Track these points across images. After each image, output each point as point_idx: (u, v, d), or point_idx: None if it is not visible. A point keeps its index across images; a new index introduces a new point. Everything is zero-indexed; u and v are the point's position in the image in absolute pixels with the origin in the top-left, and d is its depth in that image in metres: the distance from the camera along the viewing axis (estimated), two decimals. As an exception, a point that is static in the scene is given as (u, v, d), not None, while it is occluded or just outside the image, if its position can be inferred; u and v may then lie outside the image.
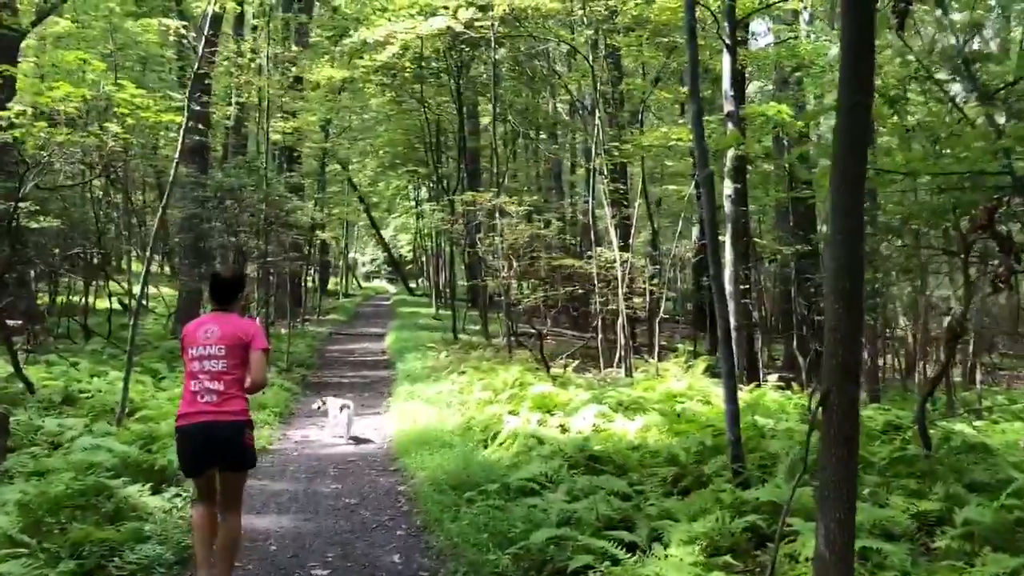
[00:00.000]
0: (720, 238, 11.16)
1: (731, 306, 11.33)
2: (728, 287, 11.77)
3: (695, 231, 22.08)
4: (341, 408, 10.67)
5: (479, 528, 6.13)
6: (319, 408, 11.15)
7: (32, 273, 18.02)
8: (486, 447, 8.96)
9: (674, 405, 10.01)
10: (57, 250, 16.92)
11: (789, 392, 12.87)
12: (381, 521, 7.04)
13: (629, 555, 5.25)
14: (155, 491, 6.99)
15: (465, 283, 30.58)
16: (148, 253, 10.87)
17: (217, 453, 4.89)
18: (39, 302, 18.57)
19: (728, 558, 5.31)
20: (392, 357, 19.86)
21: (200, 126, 17.53)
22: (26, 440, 8.13)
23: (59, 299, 18.89)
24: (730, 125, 12.93)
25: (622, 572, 4.96)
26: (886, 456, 7.28)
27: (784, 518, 4.39)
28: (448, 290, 29.04)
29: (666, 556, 5.25)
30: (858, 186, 3.80)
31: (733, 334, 9.24)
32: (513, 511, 6.32)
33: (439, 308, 31.19)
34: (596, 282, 15.80)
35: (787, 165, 18.76)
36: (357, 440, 10.57)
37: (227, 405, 4.86)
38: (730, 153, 13.13)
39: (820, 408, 3.72)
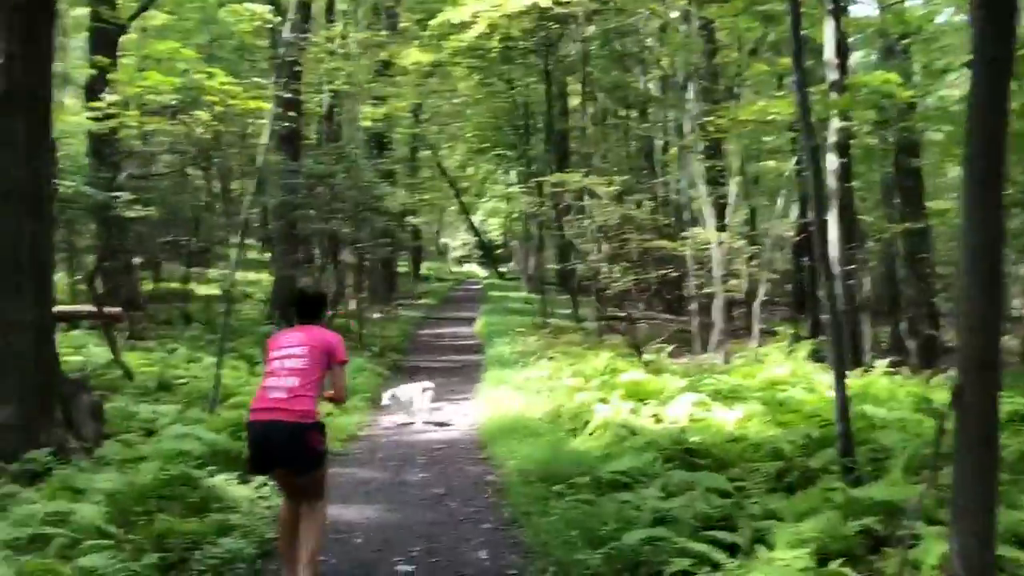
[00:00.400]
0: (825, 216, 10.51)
1: (839, 287, 10.67)
2: (835, 267, 11.10)
3: (794, 210, 21.14)
4: (423, 391, 10.55)
5: (569, 524, 5.84)
6: (390, 402, 10.67)
7: (136, 261, 18.58)
8: (575, 436, 8.65)
9: (776, 393, 9.47)
10: (158, 239, 17.38)
11: (899, 378, 12.10)
12: (468, 513, 6.83)
13: (730, 559, 4.87)
14: (242, 480, 6.94)
15: (555, 267, 30.26)
16: (240, 239, 10.94)
17: (277, 454, 4.74)
18: (142, 289, 19.16)
19: (839, 565, 4.87)
20: (482, 342, 19.75)
21: (291, 113, 17.67)
22: (122, 427, 8.22)
23: (161, 286, 19.46)
24: (833, 95, 12.18)
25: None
26: (1016, 450, 6.64)
27: (906, 522, 3.95)
28: (538, 274, 28.77)
29: (771, 560, 4.84)
30: (997, 151, 3.32)
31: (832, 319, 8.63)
32: (604, 507, 6.00)
33: (529, 292, 30.98)
34: (690, 264, 15.24)
35: (893, 138, 17.76)
36: (438, 424, 10.49)
37: (296, 404, 4.69)
38: (833, 125, 12.38)
39: (952, 405, 3.27)
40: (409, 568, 5.56)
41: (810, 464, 6.64)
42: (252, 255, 31.15)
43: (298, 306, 5.25)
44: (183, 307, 17.87)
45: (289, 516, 4.90)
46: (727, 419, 8.26)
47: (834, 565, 4.90)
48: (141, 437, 7.90)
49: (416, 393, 10.64)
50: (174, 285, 19.13)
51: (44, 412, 7.01)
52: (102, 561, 4.63)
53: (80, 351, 11.85)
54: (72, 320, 14.11)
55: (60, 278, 20.65)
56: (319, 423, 4.81)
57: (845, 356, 6.88)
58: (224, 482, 6.66)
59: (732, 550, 5.03)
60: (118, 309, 14.37)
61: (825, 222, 6.75)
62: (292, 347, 4.92)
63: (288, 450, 4.68)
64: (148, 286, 19.56)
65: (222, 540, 5.29)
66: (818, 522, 5.17)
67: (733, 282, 15.81)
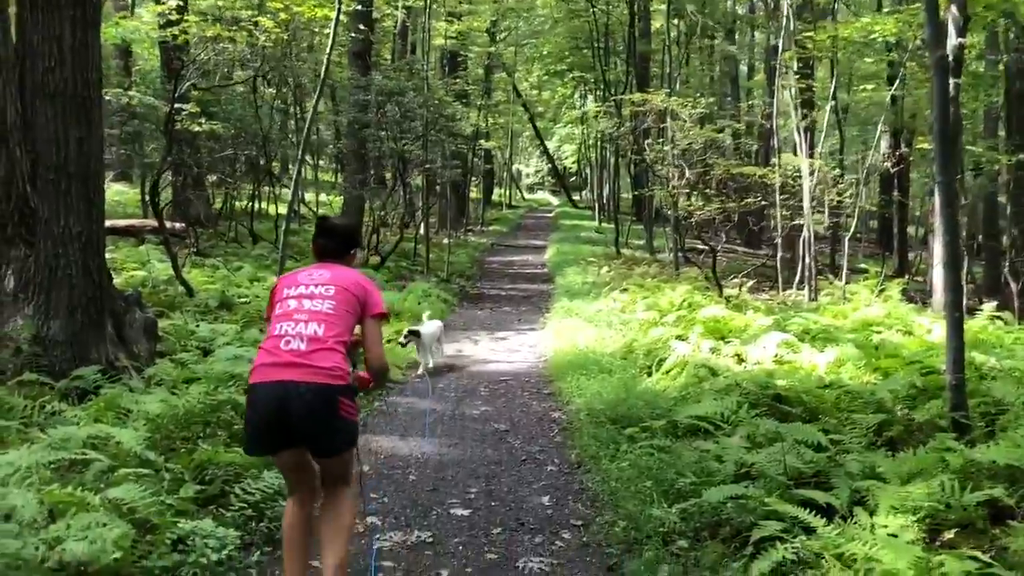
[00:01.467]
0: (928, 144, 9.51)
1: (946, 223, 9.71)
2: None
3: (884, 142, 19.74)
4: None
5: (641, 473, 5.30)
6: (404, 342, 8.76)
7: (211, 178, 18.42)
8: (650, 375, 8.06)
9: (870, 336, 8.69)
10: (228, 153, 17.10)
11: (1002, 323, 11.11)
12: (531, 453, 6.35)
13: (827, 523, 4.26)
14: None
15: (630, 194, 29.29)
16: (299, 155, 10.48)
17: (296, 429, 3.40)
18: (212, 206, 19.04)
19: (954, 536, 4.24)
20: (552, 271, 19.19)
21: (362, 27, 17.02)
22: (178, 345, 7.95)
23: (231, 205, 19.29)
24: (954, 9, 10.96)
25: (820, 547, 3.99)
26: None
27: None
28: (612, 202, 27.89)
29: (873, 527, 4.22)
30: None
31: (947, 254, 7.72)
32: (682, 456, 5.43)
33: (602, 221, 30.16)
34: (778, 193, 14.28)
35: (1008, 62, 16.28)
36: (448, 368, 9.37)
37: (319, 359, 3.40)
38: (951, 42, 11.17)
39: None
40: (464, 513, 5.11)
41: (915, 417, 5.94)
42: (325, 177, 31.00)
43: (318, 239, 3.86)
44: (250, 225, 17.66)
45: (300, 518, 3.65)
46: (817, 362, 7.56)
47: (948, 535, 4.28)
48: (196, 357, 7.59)
49: (435, 332, 9.19)
50: (244, 203, 18.93)
51: (94, 327, 6.71)
52: (135, 492, 4.26)
53: (144, 266, 11.67)
54: (133, 234, 14.01)
55: (131, 193, 20.75)
56: (352, 385, 3.54)
57: (961, 298, 6.06)
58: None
59: (826, 512, 4.42)
60: (181, 225, 14.20)
61: (949, 143, 5.87)
62: (315, 286, 3.62)
63: (310, 422, 3.38)
64: (218, 204, 19.44)
65: (266, 474, 4.90)
66: (929, 487, 4.50)
67: (818, 216, 14.82)
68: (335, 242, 3.84)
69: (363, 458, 5.96)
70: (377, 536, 4.68)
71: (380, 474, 5.78)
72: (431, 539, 4.69)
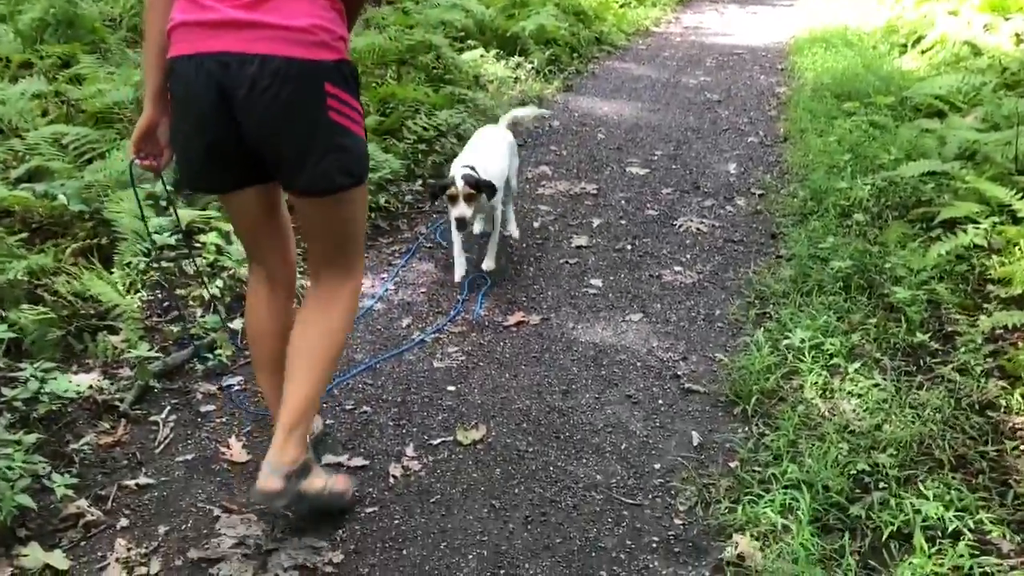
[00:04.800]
0: None
1: None
2: None
3: None
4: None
5: (844, 148, 4.74)
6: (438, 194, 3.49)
7: None
8: (904, 54, 7.01)
9: None
10: None
11: None
12: (736, 124, 5.88)
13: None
14: (499, 59, 6.47)
15: None
16: None
17: (248, 136, 1.89)
18: None
19: None
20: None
21: None
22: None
23: None
24: None
25: (1016, 234, 3.41)
26: None
27: None
28: None
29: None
30: None
31: None
32: (899, 133, 4.76)
33: None
34: None
35: None
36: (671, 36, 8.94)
37: (277, 9, 1.80)
38: None
39: None
40: (641, 172, 4.92)
41: None
42: None
43: None
44: None
45: (271, 311, 2.22)
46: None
47: None
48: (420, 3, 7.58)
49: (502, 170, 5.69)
50: None
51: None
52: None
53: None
54: None
55: None
56: (348, 61, 1.92)
57: None
58: (474, 58, 6.26)
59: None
60: None
61: None
62: None
63: (275, 127, 1.87)
64: None
65: (444, 112, 4.94)
66: None
67: None
68: None
69: (557, 115, 5.87)
70: (543, 183, 4.66)
71: (568, 129, 5.65)
72: (595, 191, 4.59)
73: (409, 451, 2.47)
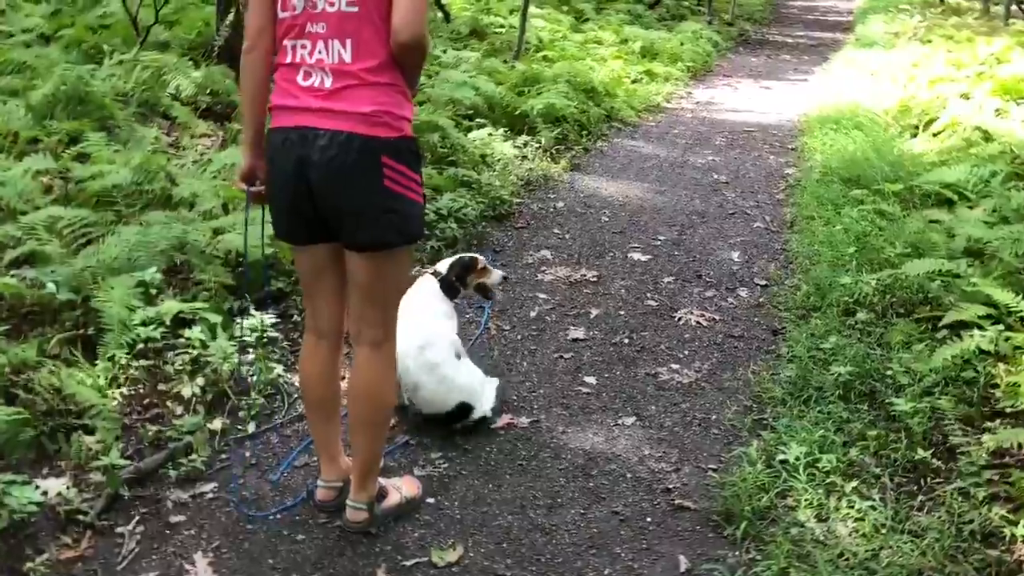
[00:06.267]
0: None
1: None
2: None
3: None
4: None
5: (849, 240, 4.67)
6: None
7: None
8: (915, 136, 6.97)
9: None
10: None
11: None
12: (742, 208, 5.83)
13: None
14: (507, 138, 6.49)
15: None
16: None
17: (319, 197, 2.25)
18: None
19: None
20: (855, 18, 16.93)
21: None
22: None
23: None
24: None
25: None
26: None
27: None
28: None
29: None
30: None
31: None
32: (905, 224, 4.69)
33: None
34: None
35: None
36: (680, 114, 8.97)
37: (347, 98, 2.19)
38: None
39: None
40: (643, 259, 4.86)
41: None
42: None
43: None
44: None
45: (313, 366, 2.53)
46: None
47: None
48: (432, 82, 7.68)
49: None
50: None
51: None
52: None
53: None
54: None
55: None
56: (408, 137, 2.27)
57: None
58: (488, 135, 6.28)
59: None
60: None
61: None
62: None
63: (344, 187, 2.22)
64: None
65: (457, 192, 4.94)
66: None
67: None
68: None
69: (563, 195, 5.86)
70: (543, 269, 4.61)
71: (572, 210, 5.62)
72: (596, 278, 4.54)
73: (380, 573, 2.37)
